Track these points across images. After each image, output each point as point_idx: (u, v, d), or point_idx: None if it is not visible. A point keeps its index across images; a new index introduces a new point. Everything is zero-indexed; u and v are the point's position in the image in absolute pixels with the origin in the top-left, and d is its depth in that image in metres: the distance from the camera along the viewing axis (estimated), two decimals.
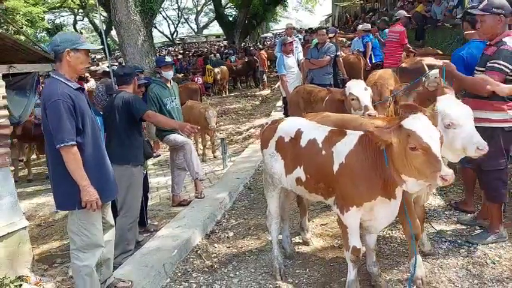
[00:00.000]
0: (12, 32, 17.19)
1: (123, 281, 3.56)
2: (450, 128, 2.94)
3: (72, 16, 39.60)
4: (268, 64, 18.23)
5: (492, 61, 3.44)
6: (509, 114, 3.52)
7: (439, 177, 2.47)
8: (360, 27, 10.56)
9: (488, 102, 3.51)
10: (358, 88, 4.27)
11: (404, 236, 4.07)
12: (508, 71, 3.40)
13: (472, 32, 4.15)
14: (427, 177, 2.57)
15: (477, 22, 3.65)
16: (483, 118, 3.56)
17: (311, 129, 3.36)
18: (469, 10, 3.67)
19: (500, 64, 3.39)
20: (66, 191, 3.08)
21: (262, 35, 33.31)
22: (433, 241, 3.93)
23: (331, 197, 3.19)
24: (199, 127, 5.00)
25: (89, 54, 3.18)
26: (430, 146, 2.51)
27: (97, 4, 7.26)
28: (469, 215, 4.34)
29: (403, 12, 9.43)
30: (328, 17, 31.90)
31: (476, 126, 3.55)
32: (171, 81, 5.77)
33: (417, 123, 2.60)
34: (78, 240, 3.16)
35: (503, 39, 3.45)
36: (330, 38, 9.70)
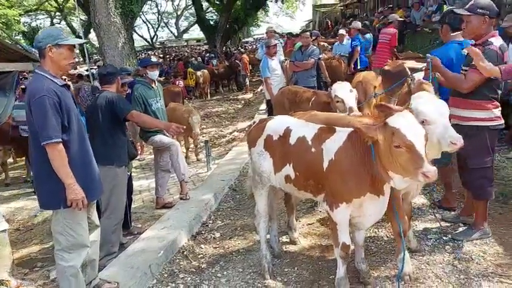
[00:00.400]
0: None
1: (109, 282, 3.49)
2: (424, 125, 2.96)
3: (49, 19, 38.90)
4: (250, 68, 18.26)
5: None
6: (493, 113, 3.60)
7: (420, 173, 2.49)
8: (352, 24, 10.60)
9: (473, 101, 3.58)
10: (343, 90, 4.31)
11: (390, 234, 4.12)
12: None
13: (453, 34, 4.22)
14: (411, 174, 2.58)
15: (462, 22, 3.72)
16: (469, 117, 3.63)
17: (300, 126, 3.36)
18: (454, 10, 3.72)
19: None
20: (51, 189, 3.00)
21: (243, 40, 33.38)
22: (419, 238, 3.97)
23: (320, 194, 3.19)
24: (184, 127, 4.96)
25: (73, 49, 3.10)
26: (413, 144, 2.53)
27: (76, 7, 7.17)
28: (453, 212, 4.42)
29: (395, 16, 9.80)
30: (308, 23, 32.21)
31: (462, 125, 3.66)
32: (156, 82, 5.71)
33: (401, 120, 2.62)
34: (63, 240, 3.08)
35: (489, 40, 3.52)
36: (312, 41, 9.82)
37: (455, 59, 3.98)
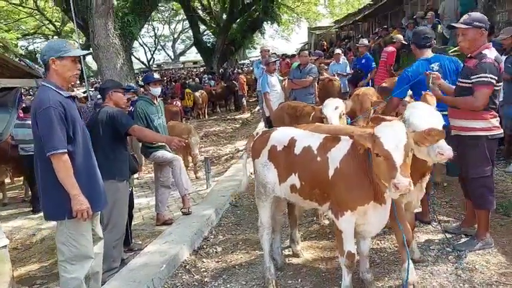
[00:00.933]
0: None
1: None
2: None
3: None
4: (247, 89, 18.42)
5: (477, 75, 3.53)
6: (491, 123, 3.65)
7: (392, 184, 2.51)
8: (360, 41, 10.46)
9: (472, 112, 3.64)
10: (328, 107, 4.38)
11: (394, 245, 4.13)
12: (494, 82, 3.54)
13: (420, 51, 4.38)
14: (387, 183, 2.60)
15: (426, 40, 3.89)
16: (468, 127, 3.69)
17: (305, 136, 3.40)
18: (452, 24, 3.82)
19: (487, 77, 3.50)
20: (55, 200, 3.01)
21: (240, 62, 33.79)
22: (421, 249, 3.97)
23: (325, 203, 3.21)
24: (186, 140, 4.97)
25: (77, 61, 3.15)
26: (390, 153, 2.56)
27: (75, 30, 7.26)
28: (454, 224, 4.43)
29: (399, 37, 10.10)
30: (304, 45, 32.65)
31: (462, 135, 3.72)
32: (157, 98, 5.77)
33: (385, 130, 2.65)
34: (67, 251, 3.07)
35: (482, 52, 3.60)
36: (314, 60, 10.02)
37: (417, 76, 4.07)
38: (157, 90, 5.66)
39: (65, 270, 3.10)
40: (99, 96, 6.17)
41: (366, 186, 2.91)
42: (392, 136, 2.59)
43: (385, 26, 15.93)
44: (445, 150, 2.93)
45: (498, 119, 3.72)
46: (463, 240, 4.08)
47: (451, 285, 3.42)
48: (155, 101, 5.64)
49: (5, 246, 4.31)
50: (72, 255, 3.09)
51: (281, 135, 3.55)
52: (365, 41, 10.49)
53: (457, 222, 4.42)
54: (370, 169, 2.84)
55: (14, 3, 27.43)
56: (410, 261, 3.42)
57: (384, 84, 7.28)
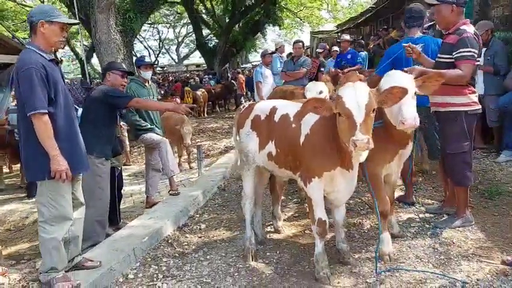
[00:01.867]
0: None
1: (91, 261, 3.51)
2: None
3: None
4: (246, 89, 18.47)
5: (460, 50, 3.55)
6: (470, 98, 3.70)
7: (351, 141, 2.55)
8: (342, 37, 10.13)
9: (451, 87, 3.66)
10: (312, 91, 4.44)
11: (374, 223, 4.17)
12: (476, 55, 3.59)
13: (408, 31, 4.52)
14: (347, 142, 2.63)
15: (414, 19, 4.05)
16: (447, 103, 3.73)
17: (286, 105, 3.47)
18: (426, 1, 3.88)
19: (470, 51, 3.54)
20: (36, 161, 3.06)
21: (241, 65, 33.90)
22: (402, 226, 4.00)
23: (298, 171, 3.26)
24: (195, 105, 5.11)
25: (64, 29, 3.22)
26: (350, 112, 2.61)
27: (79, 32, 7.35)
28: (435, 204, 4.45)
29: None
30: (306, 48, 32.76)
31: (440, 111, 3.76)
32: (149, 81, 5.84)
33: (347, 90, 2.70)
34: (46, 211, 3.12)
35: (461, 28, 3.65)
36: (320, 53, 10.11)
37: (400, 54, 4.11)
38: (147, 74, 5.73)
39: (44, 231, 3.15)
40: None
41: (332, 152, 2.95)
42: (353, 95, 2.64)
43: (385, 27, 15.96)
44: (406, 119, 2.95)
45: (477, 94, 3.76)
46: (443, 218, 4.11)
47: (427, 257, 3.45)
48: (146, 84, 5.72)
49: None
50: (51, 216, 3.13)
51: (264, 105, 3.64)
52: (346, 36, 10.07)
53: (440, 204, 4.45)
54: (337, 134, 2.90)
55: (21, 4, 27.77)
56: (386, 233, 3.47)
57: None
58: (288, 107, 3.41)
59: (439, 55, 3.83)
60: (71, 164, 3.11)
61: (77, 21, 5.50)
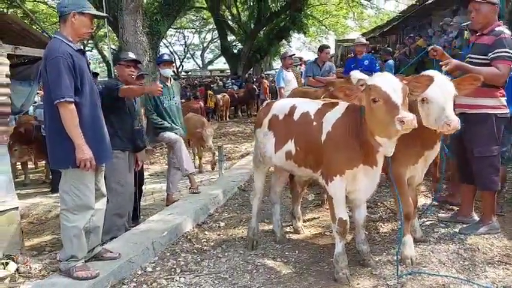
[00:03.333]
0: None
1: (111, 252, 3.54)
2: (424, 103, 2.98)
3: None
4: (269, 95, 18.49)
5: (498, 50, 3.50)
6: (500, 101, 3.61)
7: (397, 120, 2.51)
8: (357, 39, 8.37)
9: (482, 89, 3.54)
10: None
11: (395, 226, 4.08)
12: None
13: None
14: (388, 125, 2.59)
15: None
16: (478, 105, 3.63)
17: (305, 103, 3.45)
18: None
19: (508, 52, 3.48)
20: (61, 149, 3.11)
21: (265, 72, 34.01)
22: (425, 231, 3.91)
23: (319, 169, 3.22)
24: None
25: (93, 20, 3.29)
26: (389, 94, 2.60)
27: (107, 35, 7.48)
28: (449, 213, 4.31)
29: None
30: (331, 57, 32.66)
31: (469, 113, 3.66)
32: (171, 79, 5.88)
33: (379, 77, 2.74)
34: (69, 200, 3.16)
35: (496, 29, 3.57)
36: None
37: None
38: (167, 71, 5.75)
39: (66, 219, 3.19)
40: None
41: (355, 149, 2.92)
42: (387, 80, 2.67)
43: (411, 35, 15.77)
44: (452, 120, 2.87)
45: (506, 98, 3.66)
46: (468, 224, 3.98)
47: (450, 262, 3.35)
48: (167, 83, 5.73)
49: (16, 207, 4.48)
50: (74, 205, 3.17)
51: (283, 104, 3.62)
52: (362, 39, 8.25)
53: (452, 212, 4.32)
54: (361, 129, 2.86)
55: (53, 6, 28.50)
56: (408, 236, 3.39)
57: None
58: (307, 105, 3.40)
59: (470, 55, 3.74)
60: (95, 154, 3.15)
61: (105, 14, 5.59)
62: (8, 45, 4.39)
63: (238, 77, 22.93)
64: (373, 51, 23.07)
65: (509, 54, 3.47)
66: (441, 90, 2.96)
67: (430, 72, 3.19)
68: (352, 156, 2.94)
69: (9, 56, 4.46)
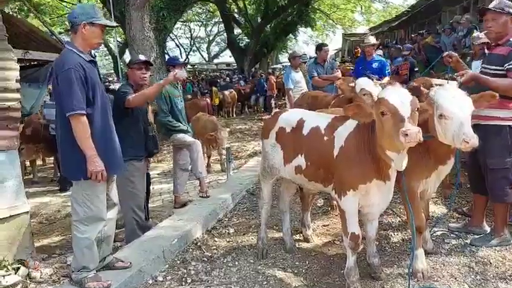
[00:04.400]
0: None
1: (122, 261, 3.55)
2: (442, 119, 2.92)
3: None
4: (276, 92, 18.43)
5: None
6: None
7: (400, 133, 2.50)
8: (366, 40, 7.64)
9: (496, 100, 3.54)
10: (369, 84, 4.37)
11: (406, 236, 4.07)
12: None
13: None
14: (395, 138, 2.58)
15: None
16: (490, 116, 3.59)
17: (314, 117, 3.43)
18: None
19: None
20: (73, 160, 3.12)
21: (271, 66, 33.87)
22: (436, 242, 3.89)
23: (330, 184, 3.21)
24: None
25: (104, 30, 3.27)
26: (396, 107, 2.59)
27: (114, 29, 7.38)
28: (460, 223, 4.28)
29: None
30: (338, 51, 32.46)
31: (482, 125, 3.61)
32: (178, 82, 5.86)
33: (388, 91, 2.72)
34: (81, 211, 3.17)
35: (511, 39, 3.53)
36: (407, 55, 10.03)
37: None
38: (181, 73, 5.72)
39: (77, 230, 3.20)
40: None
41: (367, 164, 2.90)
42: (396, 94, 2.66)
43: (421, 32, 15.63)
44: (470, 138, 2.80)
45: None
46: (480, 235, 3.96)
47: (462, 276, 3.34)
48: (178, 85, 5.73)
49: (27, 212, 4.49)
50: (85, 216, 3.18)
51: (289, 116, 3.59)
52: (372, 39, 7.56)
53: (463, 222, 4.29)
54: (373, 144, 2.83)
55: None
56: (420, 249, 3.37)
57: (414, 84, 7.16)
58: (317, 119, 3.37)
59: (485, 66, 3.70)
60: (107, 165, 3.15)
61: (116, 24, 5.54)
62: (18, 50, 4.38)
63: (242, 71, 22.78)
64: (381, 47, 22.97)
65: None
66: (460, 106, 2.90)
67: (448, 85, 3.15)
68: (365, 171, 2.93)
69: (18, 59, 4.46)
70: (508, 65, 3.47)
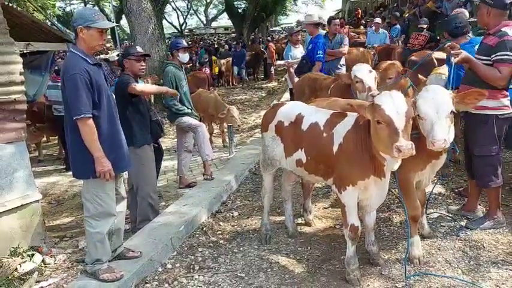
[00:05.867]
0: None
1: (133, 251, 3.73)
2: (419, 119, 3.00)
3: (83, 4, 39.76)
4: (276, 57, 18.29)
5: (500, 53, 3.51)
6: (502, 102, 3.66)
7: (394, 148, 2.58)
8: (306, 17, 7.86)
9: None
10: (362, 71, 4.39)
11: (404, 219, 4.22)
12: None
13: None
14: (388, 149, 2.68)
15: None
16: (479, 105, 3.64)
17: (312, 113, 3.50)
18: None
19: (510, 55, 3.48)
20: (81, 160, 3.23)
21: (270, 29, 33.35)
22: (432, 225, 4.05)
23: (330, 178, 3.34)
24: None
25: (104, 31, 3.29)
26: (392, 119, 2.65)
27: None
28: (457, 207, 4.43)
29: None
30: (338, 12, 31.88)
31: (473, 113, 3.69)
32: (182, 65, 5.90)
33: (385, 98, 2.75)
34: (92, 208, 3.32)
35: (502, 30, 3.55)
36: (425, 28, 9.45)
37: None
38: (185, 57, 5.78)
39: (89, 225, 3.36)
40: None
41: (366, 161, 3.01)
42: (392, 103, 2.70)
43: None
44: (436, 140, 2.85)
45: (509, 98, 3.69)
46: (474, 218, 4.11)
47: (456, 261, 3.51)
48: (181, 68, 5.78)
49: (38, 200, 4.65)
50: (96, 212, 3.33)
51: (288, 110, 3.67)
52: (314, 16, 7.66)
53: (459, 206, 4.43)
54: (370, 143, 2.93)
55: None
56: (416, 236, 3.53)
57: (412, 58, 7.16)
58: (315, 115, 3.44)
59: (476, 55, 3.75)
60: (114, 164, 3.27)
61: (114, 24, 5.54)
62: (20, 43, 4.40)
63: (243, 41, 22.43)
64: (381, 9, 22.55)
65: (509, 58, 3.47)
66: (436, 107, 2.94)
67: (432, 87, 3.18)
68: (364, 169, 3.04)
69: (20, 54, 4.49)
70: (495, 56, 3.53)
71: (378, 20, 10.87)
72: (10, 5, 4.56)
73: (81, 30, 3.16)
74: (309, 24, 7.31)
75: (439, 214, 4.28)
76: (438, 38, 9.42)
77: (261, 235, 4.10)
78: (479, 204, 4.24)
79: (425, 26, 9.89)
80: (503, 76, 3.51)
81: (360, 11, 24.22)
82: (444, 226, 4.07)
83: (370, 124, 2.90)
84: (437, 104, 2.91)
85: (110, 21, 23.46)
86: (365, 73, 4.33)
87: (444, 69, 4.05)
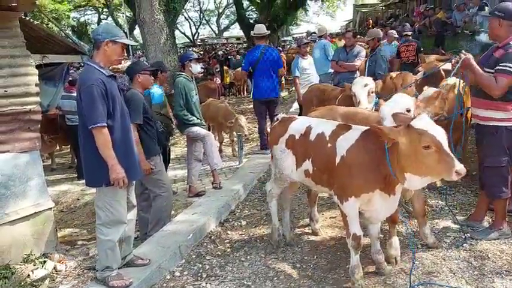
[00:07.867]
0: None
1: (142, 259, 3.82)
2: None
3: (97, 15, 40.49)
4: (287, 68, 18.36)
5: (502, 64, 3.58)
6: (511, 114, 3.68)
7: (454, 172, 2.65)
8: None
9: (492, 102, 3.68)
10: (357, 85, 4.51)
11: (410, 229, 4.25)
12: None
13: None
14: (441, 174, 2.75)
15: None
16: (489, 117, 3.73)
17: (320, 124, 3.60)
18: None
19: (508, 66, 3.53)
20: (95, 169, 3.35)
21: (282, 39, 33.49)
22: (437, 236, 4.08)
23: (333, 188, 3.40)
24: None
25: (124, 48, 3.46)
26: (442, 144, 2.71)
27: (122, 3, 7.54)
28: (462, 217, 4.44)
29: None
30: (348, 22, 32.04)
31: (482, 125, 3.76)
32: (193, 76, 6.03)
33: (426, 123, 2.81)
34: (104, 215, 3.43)
35: (510, 43, 3.60)
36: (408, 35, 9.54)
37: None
38: (198, 67, 5.94)
39: (101, 233, 3.46)
40: None
41: (372, 176, 3.06)
42: (437, 129, 2.76)
43: (432, 6, 15.39)
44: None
45: None
46: (479, 228, 4.13)
47: (461, 271, 3.53)
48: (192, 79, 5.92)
49: (50, 208, 4.78)
50: (108, 220, 3.44)
51: (299, 124, 3.77)
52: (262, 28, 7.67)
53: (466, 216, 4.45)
54: (383, 160, 2.96)
55: None
56: (395, 237, 3.70)
57: (419, 69, 7.23)
58: (322, 126, 3.54)
59: (485, 68, 3.78)
60: (127, 172, 3.38)
61: (136, 43, 5.78)
62: (36, 55, 4.56)
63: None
64: (392, 19, 22.60)
65: (509, 69, 3.52)
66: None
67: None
68: (368, 182, 3.10)
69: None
70: (498, 66, 3.59)
71: (393, 32, 10.74)
72: (27, 18, 4.72)
73: (107, 43, 3.32)
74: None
75: (445, 225, 4.30)
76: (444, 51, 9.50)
77: (272, 239, 4.18)
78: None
79: (410, 33, 9.92)
80: (499, 86, 3.55)
81: (370, 21, 24.32)
82: (449, 236, 4.09)
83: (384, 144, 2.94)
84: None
85: (123, 31, 23.96)
86: (358, 88, 4.43)
87: (452, 80, 4.08)
